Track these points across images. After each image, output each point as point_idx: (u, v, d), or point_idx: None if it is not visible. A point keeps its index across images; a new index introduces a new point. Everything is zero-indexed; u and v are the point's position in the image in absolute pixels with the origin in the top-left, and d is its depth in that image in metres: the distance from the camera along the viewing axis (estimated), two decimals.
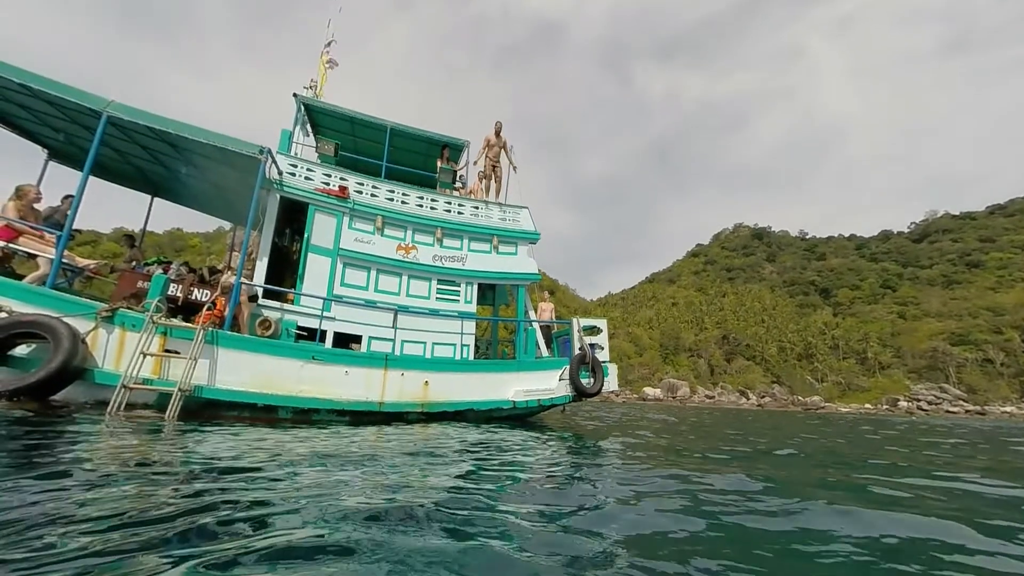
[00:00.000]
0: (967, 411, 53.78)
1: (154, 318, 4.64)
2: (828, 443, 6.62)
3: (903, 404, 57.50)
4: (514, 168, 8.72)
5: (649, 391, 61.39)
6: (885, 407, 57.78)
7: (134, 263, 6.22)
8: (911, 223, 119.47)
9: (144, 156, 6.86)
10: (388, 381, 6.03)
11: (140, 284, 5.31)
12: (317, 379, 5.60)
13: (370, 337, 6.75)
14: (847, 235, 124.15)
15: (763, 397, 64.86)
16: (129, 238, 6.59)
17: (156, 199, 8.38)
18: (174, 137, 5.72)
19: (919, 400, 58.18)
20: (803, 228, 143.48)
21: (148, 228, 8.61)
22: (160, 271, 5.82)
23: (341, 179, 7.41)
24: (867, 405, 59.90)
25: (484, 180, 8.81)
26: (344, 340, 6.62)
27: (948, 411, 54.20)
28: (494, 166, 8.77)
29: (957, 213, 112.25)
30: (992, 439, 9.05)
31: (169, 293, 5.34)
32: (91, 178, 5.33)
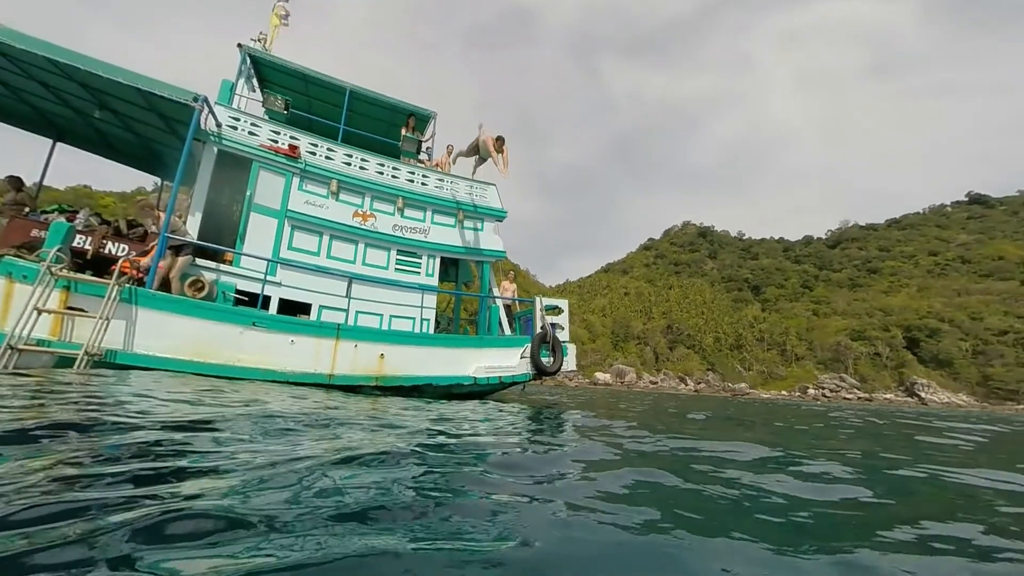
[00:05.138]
0: (859, 398, 62.77)
1: (52, 269, 3.93)
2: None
3: (811, 392, 65.72)
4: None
5: (600, 376, 64.46)
6: (797, 394, 65.67)
7: (26, 210, 5.21)
8: (828, 230, 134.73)
9: (43, 95, 5.74)
10: (339, 352, 5.68)
11: (35, 232, 4.47)
12: (258, 348, 5.12)
13: (321, 306, 6.29)
14: (777, 238, 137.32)
15: (699, 384, 70.78)
16: (15, 179, 5.49)
17: (60, 146, 7.09)
18: (84, 74, 4.77)
19: (824, 388, 66.86)
20: (741, 229, 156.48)
21: (46, 183, 7.27)
22: (63, 220, 4.94)
23: (292, 137, 6.75)
24: (783, 392, 67.63)
25: (478, 151, 8.09)
26: (291, 308, 6.11)
27: (845, 398, 62.84)
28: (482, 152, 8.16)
29: (864, 224, 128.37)
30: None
31: (76, 246, 4.56)
32: None
